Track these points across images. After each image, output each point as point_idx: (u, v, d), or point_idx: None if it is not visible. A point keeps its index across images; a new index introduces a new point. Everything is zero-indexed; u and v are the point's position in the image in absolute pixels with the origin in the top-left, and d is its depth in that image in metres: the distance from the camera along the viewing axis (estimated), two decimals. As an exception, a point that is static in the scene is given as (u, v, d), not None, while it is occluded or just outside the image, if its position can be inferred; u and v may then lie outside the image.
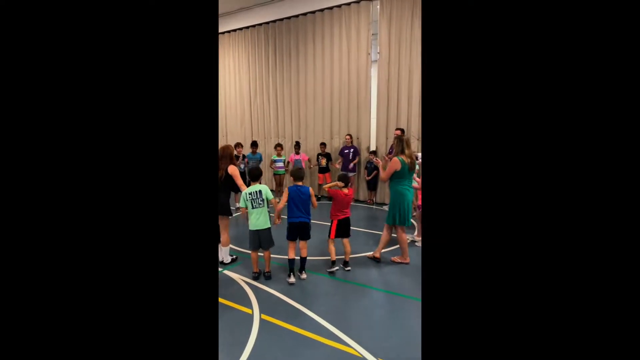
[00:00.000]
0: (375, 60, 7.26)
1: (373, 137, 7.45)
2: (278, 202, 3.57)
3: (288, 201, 3.52)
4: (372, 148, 7.33)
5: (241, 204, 3.63)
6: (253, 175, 3.73)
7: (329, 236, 3.82)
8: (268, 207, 3.64)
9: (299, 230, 3.54)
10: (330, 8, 7.43)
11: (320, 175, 7.49)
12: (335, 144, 7.68)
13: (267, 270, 3.68)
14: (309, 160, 7.50)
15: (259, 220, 3.56)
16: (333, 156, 7.52)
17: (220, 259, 4.00)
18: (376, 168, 6.93)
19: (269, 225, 3.60)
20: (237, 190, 3.90)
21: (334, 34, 7.45)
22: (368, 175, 7.05)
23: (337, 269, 3.82)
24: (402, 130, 5.71)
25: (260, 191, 3.57)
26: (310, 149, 7.96)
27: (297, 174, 3.60)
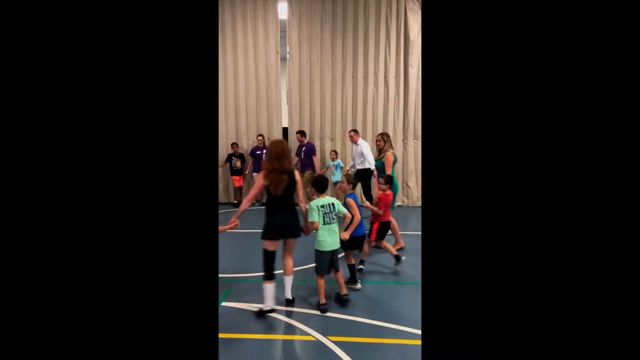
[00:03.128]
0: (285, 58, 7.14)
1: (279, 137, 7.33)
2: (346, 217, 3.07)
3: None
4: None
5: (313, 218, 2.90)
6: (320, 184, 3.02)
7: (368, 237, 3.74)
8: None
9: (357, 244, 3.40)
10: (232, -1, 6.86)
11: (236, 177, 6.87)
12: (243, 145, 7.17)
13: (343, 293, 3.13)
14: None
15: (333, 238, 2.99)
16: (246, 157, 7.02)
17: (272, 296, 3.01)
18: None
19: (339, 245, 3.10)
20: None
21: (237, 27, 6.91)
22: None
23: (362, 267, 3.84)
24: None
25: (333, 204, 2.99)
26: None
27: (355, 181, 3.40)
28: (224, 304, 3.16)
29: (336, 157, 6.63)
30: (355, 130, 5.81)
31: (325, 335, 2.67)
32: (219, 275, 3.28)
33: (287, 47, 6.96)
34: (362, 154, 5.51)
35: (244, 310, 3.07)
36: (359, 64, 6.84)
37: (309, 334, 2.70)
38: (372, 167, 5.35)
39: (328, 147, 7.04)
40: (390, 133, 6.73)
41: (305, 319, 2.91)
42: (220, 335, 2.65)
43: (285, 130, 7.32)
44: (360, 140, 5.66)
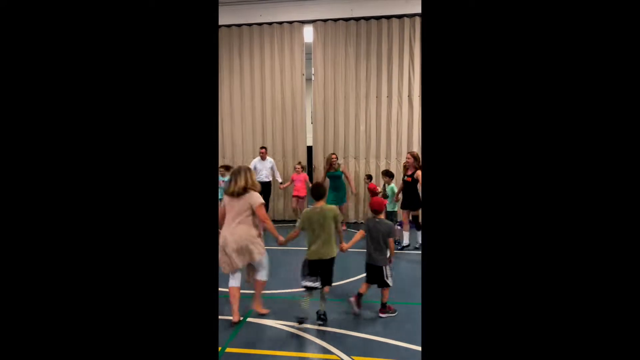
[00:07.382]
0: (310, 79, 7.34)
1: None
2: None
3: None
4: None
5: None
6: None
7: None
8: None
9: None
10: (260, 24, 7.18)
11: None
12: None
13: None
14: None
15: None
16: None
17: None
18: None
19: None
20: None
21: (264, 51, 7.20)
22: None
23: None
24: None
25: None
26: (237, 170, 7.39)
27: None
28: (249, 319, 3.22)
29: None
30: (265, 147, 6.78)
31: (349, 355, 2.66)
32: (243, 291, 3.35)
33: (312, 69, 7.16)
34: (272, 169, 6.64)
35: (271, 327, 3.11)
36: (383, 84, 6.93)
37: (332, 353, 2.70)
38: (280, 180, 6.72)
39: (352, 165, 7.09)
40: (416, 151, 6.72)
41: (330, 337, 2.93)
42: (244, 351, 2.70)
43: (309, 148, 7.46)
44: (268, 157, 6.71)
